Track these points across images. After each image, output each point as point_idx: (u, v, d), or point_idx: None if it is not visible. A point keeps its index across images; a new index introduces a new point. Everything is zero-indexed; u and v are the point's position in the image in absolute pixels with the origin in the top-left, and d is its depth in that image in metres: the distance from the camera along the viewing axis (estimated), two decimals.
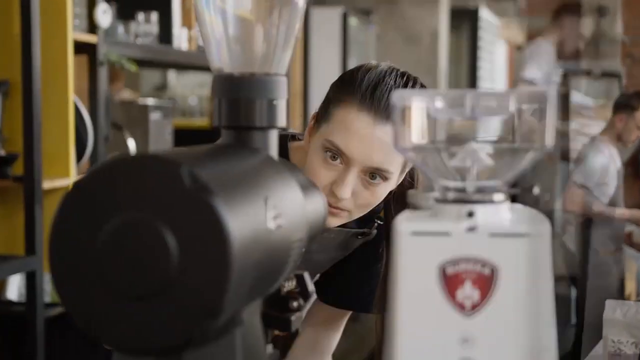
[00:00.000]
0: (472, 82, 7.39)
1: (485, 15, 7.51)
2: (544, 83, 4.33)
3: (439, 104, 0.70)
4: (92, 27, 2.64)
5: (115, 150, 2.87)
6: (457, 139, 0.72)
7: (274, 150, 0.82)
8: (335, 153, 1.25)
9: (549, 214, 4.61)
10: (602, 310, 1.87)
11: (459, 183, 0.71)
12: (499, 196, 0.70)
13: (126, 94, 3.83)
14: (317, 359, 1.44)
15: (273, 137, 0.82)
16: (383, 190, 1.28)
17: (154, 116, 2.99)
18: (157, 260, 0.60)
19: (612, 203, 4.33)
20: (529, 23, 10.07)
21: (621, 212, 4.28)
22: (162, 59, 3.03)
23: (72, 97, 2.47)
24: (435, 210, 0.71)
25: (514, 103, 0.68)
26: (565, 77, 4.71)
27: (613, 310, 1.94)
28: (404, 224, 0.69)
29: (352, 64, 5.69)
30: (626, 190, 4.35)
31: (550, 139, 0.69)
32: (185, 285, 0.60)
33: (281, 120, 0.82)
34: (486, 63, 7.83)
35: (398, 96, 0.71)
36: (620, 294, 4.14)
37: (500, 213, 0.70)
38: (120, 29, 2.90)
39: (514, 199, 0.73)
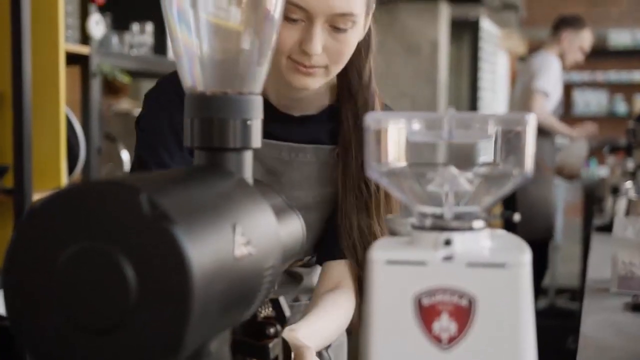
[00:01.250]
0: (473, 92, 7.36)
1: (487, 25, 7.49)
2: (554, 94, 4.35)
3: (415, 126, 0.67)
4: (85, 38, 2.61)
5: (109, 162, 2.85)
6: (434, 163, 0.69)
7: (248, 171, 0.79)
8: (294, 12, 1.18)
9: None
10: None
11: (436, 209, 0.68)
12: (478, 223, 0.67)
13: (125, 105, 3.81)
14: (340, 320, 1.31)
15: (247, 158, 0.79)
16: (352, 37, 1.22)
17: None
18: (115, 292, 0.57)
19: (554, 114, 4.44)
20: (530, 34, 10.06)
21: (568, 129, 4.48)
22: (156, 70, 3.00)
23: (63, 108, 2.44)
24: (412, 238, 0.69)
25: (492, 127, 0.66)
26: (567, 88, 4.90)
27: (623, 227, 1.80)
28: (378, 252, 0.66)
29: None
30: None
31: (530, 165, 0.66)
32: (144, 318, 0.57)
33: (256, 141, 0.79)
34: (487, 73, 7.81)
35: (372, 118, 0.68)
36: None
37: (479, 241, 0.67)
38: (115, 39, 2.87)
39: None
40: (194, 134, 0.78)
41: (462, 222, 0.67)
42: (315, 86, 1.25)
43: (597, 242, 2.74)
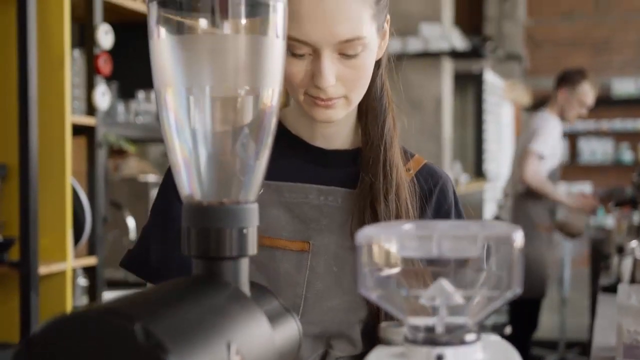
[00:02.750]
0: (478, 144, 7.40)
1: (490, 78, 7.55)
2: (551, 158, 4.37)
3: (406, 243, 0.69)
4: (91, 109, 2.65)
5: (115, 229, 2.86)
6: (426, 277, 0.70)
7: (244, 279, 0.80)
8: (298, 48, 1.10)
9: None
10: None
11: (428, 320, 0.69)
12: (470, 336, 0.68)
13: (133, 164, 3.84)
14: None
15: (244, 266, 0.80)
16: (366, 60, 1.14)
17: (155, 193, 2.98)
18: None
19: (551, 177, 4.41)
20: (534, 83, 10.13)
21: (564, 197, 4.44)
22: (161, 137, 3.03)
23: (69, 180, 2.47)
24: (405, 351, 0.69)
25: (480, 244, 0.67)
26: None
27: (627, 295, 1.77)
28: None
29: None
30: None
31: (518, 282, 0.67)
32: None
33: (252, 249, 0.81)
34: (492, 125, 7.85)
35: (363, 235, 0.69)
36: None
37: (471, 355, 0.68)
38: (121, 107, 2.91)
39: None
40: (191, 242, 0.80)
41: (454, 335, 0.68)
42: (339, 117, 1.17)
43: (604, 303, 2.72)
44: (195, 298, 0.71)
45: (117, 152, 3.69)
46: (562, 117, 4.38)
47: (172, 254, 1.17)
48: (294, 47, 1.11)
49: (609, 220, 8.55)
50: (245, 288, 0.79)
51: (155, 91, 0.81)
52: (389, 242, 0.69)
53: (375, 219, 1.15)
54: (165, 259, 1.21)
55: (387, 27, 1.21)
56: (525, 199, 4.38)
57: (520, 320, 4.49)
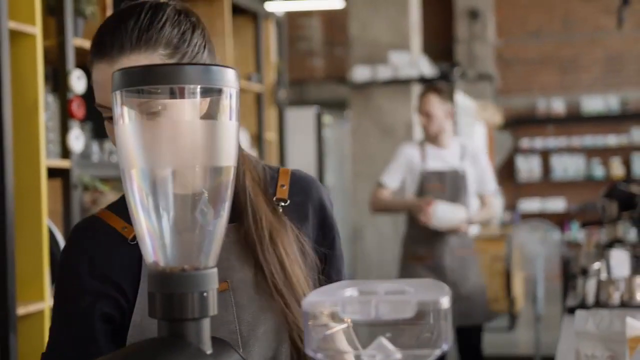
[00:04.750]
0: None
1: (461, 100, 7.68)
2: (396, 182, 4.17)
3: (347, 307, 0.77)
4: (66, 152, 2.72)
5: None
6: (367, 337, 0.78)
7: (206, 338, 0.88)
8: (106, 112, 1.19)
9: None
10: None
11: None
12: None
13: (111, 198, 3.88)
14: None
15: (205, 325, 0.88)
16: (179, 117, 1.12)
17: None
18: None
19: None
20: (505, 103, 10.30)
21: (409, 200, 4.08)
22: None
23: (45, 222, 2.53)
24: None
25: (412, 309, 0.75)
26: None
27: (585, 321, 1.83)
28: None
29: (327, 159, 5.82)
30: None
31: (448, 340, 0.75)
32: None
33: (213, 309, 0.89)
34: None
35: (309, 302, 0.78)
36: None
37: None
38: (95, 147, 2.98)
39: None
40: (157, 306, 0.88)
41: None
42: None
43: (568, 325, 2.81)
44: (160, 359, 0.79)
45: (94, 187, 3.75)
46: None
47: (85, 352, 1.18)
48: (105, 112, 1.20)
49: (581, 235, 8.69)
50: (207, 346, 0.87)
51: (120, 170, 0.89)
52: (333, 307, 0.78)
53: (259, 266, 1.24)
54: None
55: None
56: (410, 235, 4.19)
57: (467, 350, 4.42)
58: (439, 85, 4.23)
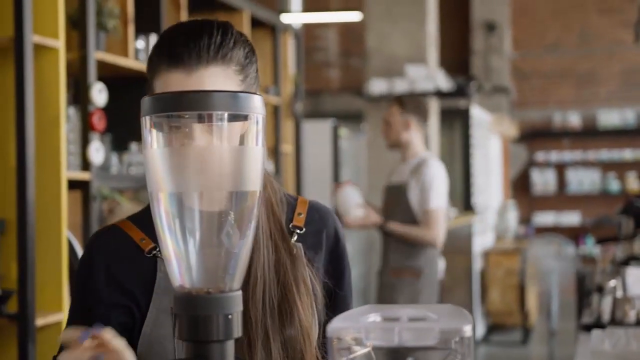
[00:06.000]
0: (466, 179, 7.50)
1: (477, 112, 7.68)
2: None
3: (371, 334, 0.78)
4: (86, 164, 2.75)
5: None
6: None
7: (230, 359, 0.89)
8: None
9: None
10: None
11: None
12: None
13: (127, 207, 3.91)
14: None
15: (230, 348, 0.90)
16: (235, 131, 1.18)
17: None
18: None
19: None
20: (521, 116, 10.29)
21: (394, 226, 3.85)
22: None
23: (65, 233, 2.56)
24: None
25: (435, 336, 0.76)
26: None
27: (601, 341, 1.84)
28: None
29: (343, 172, 5.84)
30: None
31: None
32: None
33: (237, 332, 0.90)
34: (480, 158, 7.97)
35: (334, 328, 0.79)
36: None
37: None
38: (115, 159, 3.01)
39: None
40: (182, 328, 0.89)
41: None
42: None
43: (583, 343, 2.80)
44: None
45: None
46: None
47: None
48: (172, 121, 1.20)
49: (596, 250, 8.65)
50: None
51: (149, 193, 0.91)
52: (357, 333, 0.79)
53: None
54: None
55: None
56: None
57: None
58: (406, 98, 4.14)
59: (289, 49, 4.75)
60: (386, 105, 4.48)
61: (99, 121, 2.75)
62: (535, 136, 10.44)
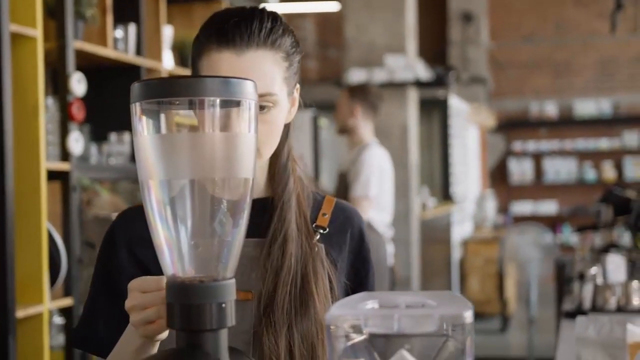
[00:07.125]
0: (445, 169, 7.52)
1: (455, 102, 7.70)
2: None
3: (370, 321, 0.77)
4: (65, 154, 2.71)
5: (89, 267, 2.92)
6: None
7: (223, 348, 0.88)
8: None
9: None
10: None
11: None
12: None
13: (106, 198, 3.87)
14: None
15: (223, 336, 0.88)
16: (277, 117, 1.22)
17: None
18: None
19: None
20: (498, 106, 10.33)
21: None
22: (134, 177, 3.11)
23: (45, 224, 2.53)
24: None
25: (434, 323, 0.76)
26: None
27: (585, 327, 1.85)
28: None
29: (323, 162, 5.83)
30: None
31: (472, 354, 0.76)
32: None
33: (230, 320, 0.89)
34: (458, 148, 7.99)
35: (332, 315, 0.78)
36: None
37: None
38: (94, 150, 2.98)
39: None
40: (175, 317, 0.88)
41: None
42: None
43: (566, 329, 2.82)
44: None
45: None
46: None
47: (120, 321, 1.17)
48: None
49: (573, 238, 8.71)
50: (224, 357, 0.88)
51: (139, 182, 0.89)
52: (356, 320, 0.78)
53: (265, 273, 1.23)
54: (114, 326, 1.22)
55: (297, 95, 1.30)
56: None
57: None
58: (356, 86, 4.21)
59: None
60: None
61: (78, 111, 2.71)
62: (513, 126, 10.49)
